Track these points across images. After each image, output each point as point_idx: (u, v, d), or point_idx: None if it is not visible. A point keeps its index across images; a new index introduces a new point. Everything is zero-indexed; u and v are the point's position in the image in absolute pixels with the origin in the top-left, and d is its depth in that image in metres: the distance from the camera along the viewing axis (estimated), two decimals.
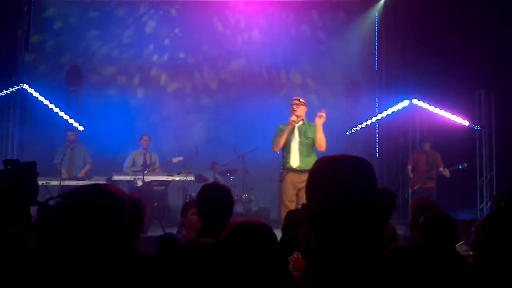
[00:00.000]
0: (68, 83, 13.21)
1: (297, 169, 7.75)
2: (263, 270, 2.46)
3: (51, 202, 4.11)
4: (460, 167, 10.79)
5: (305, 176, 7.78)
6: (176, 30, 14.02)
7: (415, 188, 10.89)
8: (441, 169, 10.83)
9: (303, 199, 7.40)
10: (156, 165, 11.40)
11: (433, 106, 12.01)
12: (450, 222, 3.86)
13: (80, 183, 10.29)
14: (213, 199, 3.85)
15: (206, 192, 3.94)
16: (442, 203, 8.59)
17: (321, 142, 7.91)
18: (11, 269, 2.51)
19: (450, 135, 11.50)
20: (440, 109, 11.93)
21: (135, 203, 3.68)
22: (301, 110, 8.13)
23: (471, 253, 4.08)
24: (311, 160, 7.52)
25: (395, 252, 2.44)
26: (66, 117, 12.41)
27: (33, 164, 3.69)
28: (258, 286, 2.39)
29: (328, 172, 1.74)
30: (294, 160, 7.84)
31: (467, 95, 12.09)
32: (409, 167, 11.21)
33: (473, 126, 11.95)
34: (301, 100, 8.23)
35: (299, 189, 7.66)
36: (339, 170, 1.74)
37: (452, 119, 11.86)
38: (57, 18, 13.65)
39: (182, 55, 13.98)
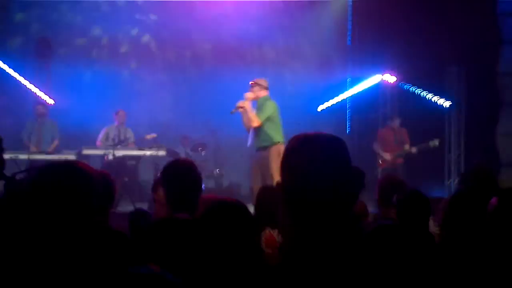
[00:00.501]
0: (38, 55, 12.96)
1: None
2: (239, 248, 2.48)
3: (18, 177, 4.07)
4: (431, 144, 10.81)
5: (260, 153, 7.99)
6: (148, 4, 13.79)
7: (384, 167, 10.97)
8: (407, 147, 10.91)
9: (265, 176, 7.60)
10: (130, 140, 11.31)
11: (403, 82, 12.08)
12: (424, 200, 3.92)
13: (49, 157, 10.21)
14: (177, 175, 3.73)
15: (169, 169, 3.80)
16: (410, 179, 8.75)
17: (250, 121, 8.23)
18: None
19: (421, 111, 11.58)
20: (411, 85, 12.01)
21: (105, 178, 3.66)
22: (250, 94, 8.42)
23: (438, 231, 4.14)
24: (262, 139, 8.13)
25: (378, 230, 2.46)
26: (35, 90, 12.18)
27: None
28: (233, 264, 2.40)
29: (303, 151, 1.77)
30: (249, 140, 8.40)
31: (439, 72, 12.17)
32: (377, 144, 11.28)
33: (444, 103, 12.05)
34: (251, 83, 8.53)
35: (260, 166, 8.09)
36: (313, 149, 1.76)
37: (423, 95, 11.95)
38: None
39: (153, 28, 13.78)
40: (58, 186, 2.22)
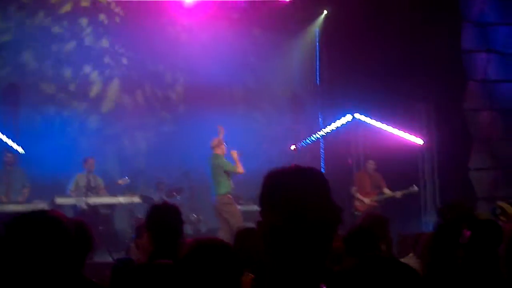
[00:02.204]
0: (5, 102, 12.76)
1: None
2: None
3: None
4: (411, 191, 11.07)
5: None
6: (116, 46, 13.76)
7: (362, 210, 10.99)
8: (388, 191, 11.03)
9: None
10: (100, 187, 11.14)
11: (375, 121, 12.21)
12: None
13: (20, 207, 9.97)
14: (163, 220, 3.78)
15: (155, 213, 3.88)
16: (387, 216, 8.74)
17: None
18: None
19: (392, 149, 11.69)
20: (382, 123, 12.15)
21: (80, 227, 3.57)
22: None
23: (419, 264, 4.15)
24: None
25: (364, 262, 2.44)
26: (4, 138, 11.96)
27: None
28: None
29: (281, 186, 1.72)
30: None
31: (408, 109, 12.34)
32: (354, 188, 11.35)
33: (415, 140, 12.19)
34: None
35: None
36: (294, 184, 1.71)
37: (394, 133, 12.08)
38: None
39: (122, 71, 13.73)
40: (31, 236, 2.16)
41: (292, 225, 1.66)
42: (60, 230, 2.22)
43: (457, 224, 3.65)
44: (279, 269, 1.68)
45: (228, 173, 9.82)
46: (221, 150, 10.01)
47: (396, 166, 11.35)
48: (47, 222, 2.22)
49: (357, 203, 11.29)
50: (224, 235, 9.27)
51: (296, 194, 1.68)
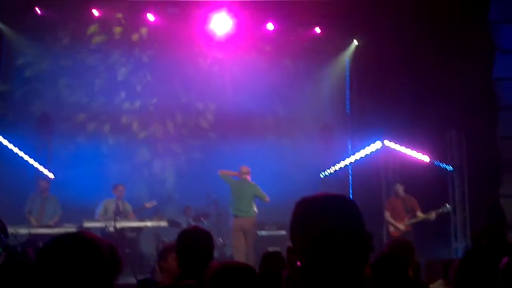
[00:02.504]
0: (39, 131, 13.02)
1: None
2: None
3: (20, 248, 4.00)
4: (445, 210, 10.84)
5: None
6: (148, 77, 13.98)
7: (397, 236, 10.80)
8: (421, 214, 10.86)
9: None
10: (128, 212, 11.23)
11: (404, 147, 12.11)
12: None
13: (50, 230, 10.09)
14: (195, 244, 3.77)
15: (187, 237, 3.86)
16: (417, 243, 8.63)
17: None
18: None
19: (423, 176, 11.57)
20: (412, 150, 12.04)
21: (111, 248, 3.57)
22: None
23: None
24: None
25: None
26: (36, 165, 12.19)
27: None
28: None
29: (313, 214, 1.70)
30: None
31: (438, 136, 12.23)
32: (388, 213, 11.17)
33: (445, 167, 12.05)
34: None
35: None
36: (324, 211, 1.70)
37: (424, 160, 11.96)
38: (28, 67, 13.48)
39: (154, 101, 13.91)
40: (68, 257, 2.15)
41: (321, 251, 1.65)
42: (96, 251, 2.22)
43: (492, 250, 3.57)
44: None
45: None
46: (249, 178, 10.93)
47: (426, 193, 11.21)
48: (83, 243, 2.22)
49: (391, 229, 11.07)
50: (239, 254, 10.15)
51: (326, 221, 1.67)
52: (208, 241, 3.83)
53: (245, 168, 11.10)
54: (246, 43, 13.69)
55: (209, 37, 13.49)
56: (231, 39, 13.50)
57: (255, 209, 10.80)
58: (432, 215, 10.77)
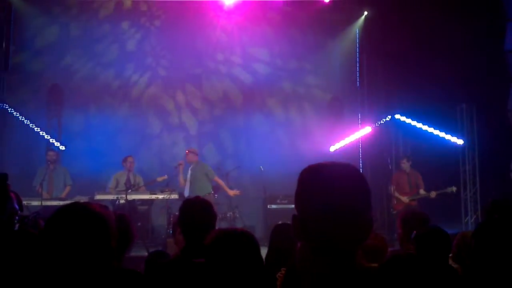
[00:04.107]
0: (49, 102, 13.03)
1: None
2: (247, 277, 2.45)
3: (31, 216, 4.06)
4: (448, 190, 10.85)
5: None
6: (158, 48, 13.92)
7: (400, 209, 10.87)
8: (422, 191, 10.90)
9: None
10: (140, 185, 11.28)
11: (415, 121, 12.06)
12: (444, 236, 3.84)
13: (62, 203, 10.14)
14: (195, 214, 3.74)
15: (187, 207, 3.85)
16: None
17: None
18: None
19: (433, 151, 11.54)
20: (423, 124, 11.99)
21: (121, 220, 3.60)
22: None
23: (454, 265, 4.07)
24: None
25: (392, 260, 2.41)
26: (47, 136, 12.24)
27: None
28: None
29: (320, 180, 1.70)
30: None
31: (449, 110, 12.17)
32: (392, 187, 11.25)
33: (456, 141, 12.01)
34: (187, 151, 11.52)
35: None
36: (329, 177, 1.69)
37: (435, 134, 11.92)
38: (37, 38, 13.45)
39: (163, 73, 13.89)
40: (75, 229, 2.18)
41: (324, 216, 1.65)
42: (102, 223, 2.24)
43: (505, 222, 3.55)
44: (311, 262, 1.67)
45: None
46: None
47: (437, 167, 11.20)
48: (88, 213, 2.24)
49: (394, 202, 11.20)
50: None
51: (331, 187, 1.66)
52: (209, 211, 3.77)
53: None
54: (256, 13, 13.57)
55: (218, 7, 13.39)
56: (240, 9, 13.39)
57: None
58: (433, 194, 10.83)
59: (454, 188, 10.92)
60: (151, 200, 11.10)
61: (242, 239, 2.56)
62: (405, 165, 11.28)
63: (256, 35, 13.81)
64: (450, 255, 5.11)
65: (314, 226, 1.66)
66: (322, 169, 1.73)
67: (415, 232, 4.01)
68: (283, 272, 4.24)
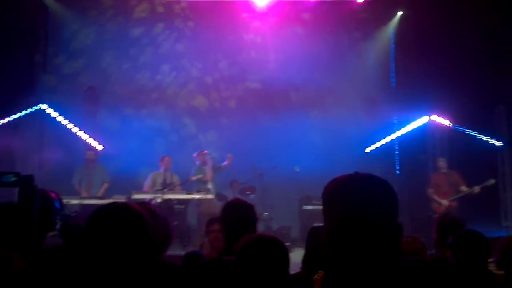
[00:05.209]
0: (86, 103, 13.25)
1: None
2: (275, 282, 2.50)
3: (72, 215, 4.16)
4: (488, 183, 10.65)
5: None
6: (192, 50, 14.02)
7: (440, 212, 10.71)
8: (464, 188, 10.71)
9: None
10: (176, 184, 11.38)
11: (452, 122, 11.92)
12: (481, 241, 3.79)
13: (100, 201, 10.30)
14: (237, 216, 3.80)
15: (229, 209, 3.90)
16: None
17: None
18: None
19: (471, 152, 11.37)
20: (460, 126, 11.84)
21: (158, 218, 3.66)
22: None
23: (498, 271, 4.00)
24: None
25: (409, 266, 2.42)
26: (85, 136, 12.45)
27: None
28: None
29: (340, 192, 1.74)
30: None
31: (487, 110, 11.98)
32: (431, 190, 11.08)
33: (494, 142, 11.83)
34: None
35: None
36: (351, 189, 1.73)
37: (473, 135, 11.76)
38: (73, 40, 13.68)
39: (197, 74, 13.99)
40: (113, 227, 2.24)
41: (344, 228, 1.69)
42: (140, 220, 2.30)
43: None
44: (342, 267, 1.70)
45: None
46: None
47: (474, 169, 11.02)
48: (127, 213, 2.30)
49: (434, 205, 11.00)
50: None
51: (353, 200, 1.70)
52: (250, 214, 3.84)
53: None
54: (288, 14, 13.59)
55: (250, 8, 13.44)
56: (273, 10, 13.43)
57: None
58: (476, 189, 10.62)
59: (493, 181, 10.68)
60: (188, 200, 11.19)
61: (271, 247, 2.61)
62: (443, 163, 11.09)
63: (289, 35, 13.80)
64: (490, 260, 5.04)
65: (342, 238, 1.70)
66: (344, 181, 1.76)
67: (451, 236, 3.98)
68: (320, 274, 4.25)
